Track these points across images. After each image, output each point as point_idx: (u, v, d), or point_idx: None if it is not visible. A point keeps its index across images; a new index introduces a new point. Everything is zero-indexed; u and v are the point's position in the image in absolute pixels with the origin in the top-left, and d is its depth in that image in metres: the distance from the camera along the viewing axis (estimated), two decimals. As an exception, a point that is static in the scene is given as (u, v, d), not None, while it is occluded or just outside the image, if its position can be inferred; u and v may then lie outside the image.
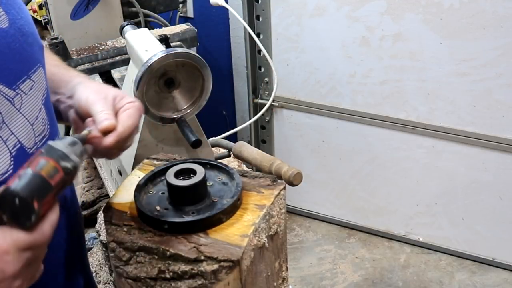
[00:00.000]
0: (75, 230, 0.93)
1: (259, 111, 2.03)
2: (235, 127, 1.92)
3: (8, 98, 0.72)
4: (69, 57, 1.72)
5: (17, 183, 0.62)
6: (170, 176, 0.77)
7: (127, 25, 1.31)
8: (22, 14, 0.78)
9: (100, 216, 1.61)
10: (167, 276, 0.71)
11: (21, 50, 0.76)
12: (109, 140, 0.77)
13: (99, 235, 1.60)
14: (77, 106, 0.85)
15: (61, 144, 0.68)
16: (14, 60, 0.74)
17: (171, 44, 1.27)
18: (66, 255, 0.89)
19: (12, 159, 0.73)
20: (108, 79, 1.81)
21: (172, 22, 2.32)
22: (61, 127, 0.89)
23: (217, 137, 1.48)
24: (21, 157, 0.73)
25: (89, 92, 0.84)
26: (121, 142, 0.78)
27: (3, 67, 0.72)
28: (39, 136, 0.78)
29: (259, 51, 2.33)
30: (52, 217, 0.66)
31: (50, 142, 0.68)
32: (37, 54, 0.80)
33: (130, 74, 1.26)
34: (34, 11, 2.15)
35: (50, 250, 0.72)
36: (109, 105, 0.81)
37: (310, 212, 2.64)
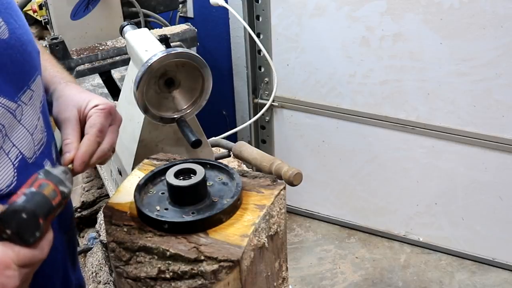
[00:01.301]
0: (70, 232, 0.94)
1: (259, 111, 2.03)
2: (235, 127, 1.93)
3: (10, 111, 0.72)
4: (69, 57, 1.72)
5: (24, 199, 0.63)
6: (170, 176, 0.77)
7: (127, 25, 1.31)
8: (20, 22, 0.77)
9: (100, 216, 1.61)
10: (167, 276, 0.71)
11: (22, 61, 0.75)
12: (76, 167, 0.77)
13: (99, 235, 1.60)
14: (57, 110, 0.85)
15: (57, 171, 0.70)
16: (16, 71, 0.74)
17: (171, 44, 1.27)
18: (61, 257, 0.90)
19: (15, 170, 0.73)
20: (108, 79, 1.81)
21: (172, 22, 2.32)
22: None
23: (217, 137, 1.48)
24: (23, 168, 0.74)
25: (58, 108, 0.84)
26: (88, 160, 0.78)
27: (5, 80, 0.72)
28: (38, 145, 0.78)
29: (259, 51, 2.33)
30: (49, 236, 0.66)
31: (48, 168, 0.70)
32: (35, 62, 0.80)
33: (130, 74, 1.26)
34: (34, 11, 2.15)
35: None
36: (73, 126, 0.80)
37: (310, 212, 2.64)
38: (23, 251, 0.63)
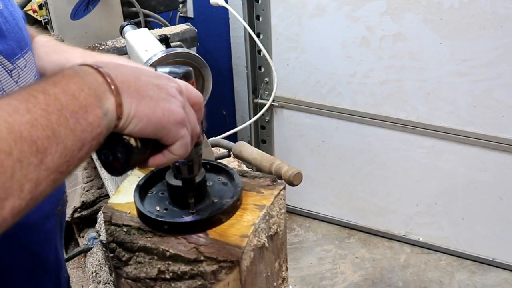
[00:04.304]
0: (61, 208, 0.97)
1: (259, 111, 2.03)
2: (235, 127, 1.93)
3: (7, 70, 0.76)
4: (69, 57, 1.72)
5: None
6: (169, 177, 0.77)
7: (127, 25, 1.31)
8: (12, 2, 0.84)
9: (100, 216, 1.62)
10: (167, 276, 0.70)
11: (16, 30, 0.80)
12: None
13: (99, 235, 1.60)
14: None
15: None
16: (9, 38, 0.78)
17: (171, 44, 1.27)
18: (52, 229, 0.93)
19: None
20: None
21: (172, 22, 2.32)
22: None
23: (217, 137, 1.48)
24: None
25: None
26: None
27: (2, 41, 0.76)
28: None
29: (259, 51, 2.33)
30: None
31: None
32: (26, 38, 0.84)
33: (130, 74, 1.25)
34: (34, 11, 2.14)
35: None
36: None
37: (310, 212, 2.64)
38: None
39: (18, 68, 0.79)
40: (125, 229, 0.75)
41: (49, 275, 0.95)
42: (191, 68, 0.70)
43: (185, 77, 0.68)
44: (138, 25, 1.74)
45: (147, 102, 0.59)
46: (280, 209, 0.80)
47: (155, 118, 0.59)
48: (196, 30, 1.89)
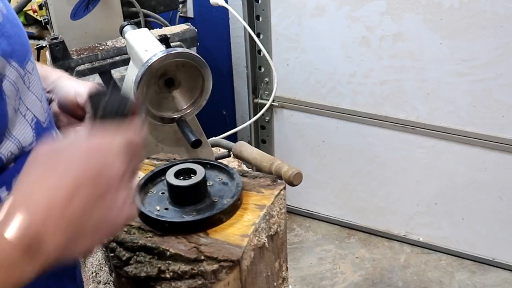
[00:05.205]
0: None
1: (259, 111, 2.03)
2: (235, 127, 1.93)
3: (21, 76, 0.76)
4: (69, 57, 1.72)
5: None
6: (170, 176, 0.77)
7: (127, 25, 1.31)
8: (10, 6, 0.83)
9: (100, 216, 1.61)
10: (167, 276, 0.71)
11: (21, 34, 0.80)
12: None
13: (99, 235, 1.59)
14: (62, 98, 0.89)
15: None
16: (17, 42, 0.78)
17: (171, 44, 1.27)
18: None
19: (33, 131, 0.76)
20: (108, 79, 1.81)
21: (172, 22, 2.32)
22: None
23: (217, 137, 1.48)
24: (39, 130, 0.77)
25: (75, 84, 0.89)
26: None
27: (13, 47, 0.76)
28: (46, 113, 0.81)
29: (259, 51, 2.33)
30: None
31: None
32: (28, 42, 0.84)
33: (130, 74, 1.26)
34: (34, 11, 2.15)
35: None
36: None
37: (310, 212, 2.64)
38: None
39: (28, 73, 0.79)
40: (125, 229, 0.75)
41: (67, 272, 0.96)
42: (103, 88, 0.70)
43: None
44: (138, 25, 1.74)
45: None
46: (280, 209, 0.80)
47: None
48: (196, 30, 1.89)
